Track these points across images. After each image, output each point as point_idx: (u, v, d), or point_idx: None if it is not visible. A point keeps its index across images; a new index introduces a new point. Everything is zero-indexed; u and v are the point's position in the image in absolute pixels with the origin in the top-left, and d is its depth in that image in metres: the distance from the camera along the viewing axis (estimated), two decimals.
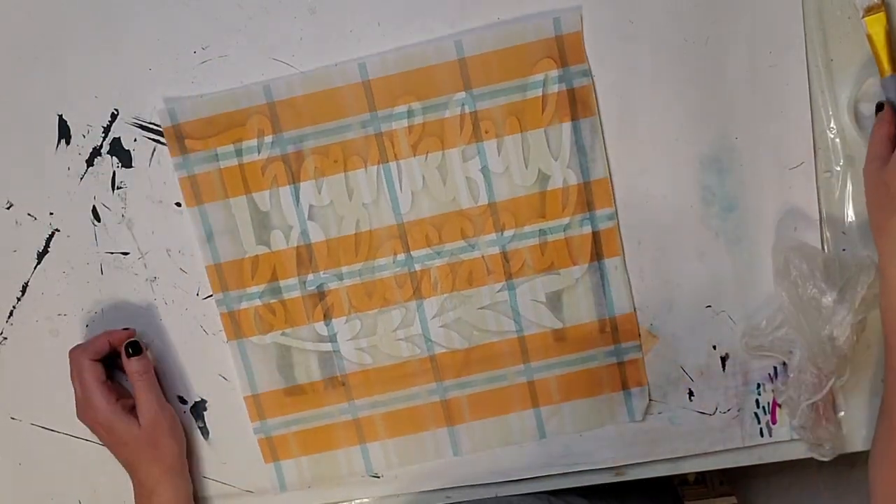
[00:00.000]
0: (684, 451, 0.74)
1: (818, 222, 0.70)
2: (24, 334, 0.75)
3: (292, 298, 0.73)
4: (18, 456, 0.78)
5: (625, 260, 0.71)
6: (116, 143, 0.72)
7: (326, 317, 0.73)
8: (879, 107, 0.66)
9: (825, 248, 0.70)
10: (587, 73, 0.69)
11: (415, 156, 0.70)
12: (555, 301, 0.72)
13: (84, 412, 0.72)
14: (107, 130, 0.72)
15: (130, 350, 0.72)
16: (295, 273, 0.72)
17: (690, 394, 0.73)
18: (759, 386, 0.73)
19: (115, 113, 0.71)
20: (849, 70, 0.68)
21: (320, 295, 0.73)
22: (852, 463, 0.93)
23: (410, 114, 0.70)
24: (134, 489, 0.73)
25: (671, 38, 0.68)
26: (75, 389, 0.72)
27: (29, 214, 0.73)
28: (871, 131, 0.66)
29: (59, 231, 0.73)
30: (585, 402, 0.74)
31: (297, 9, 0.69)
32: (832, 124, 0.69)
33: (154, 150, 0.72)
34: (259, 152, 0.71)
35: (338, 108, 0.70)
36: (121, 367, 0.73)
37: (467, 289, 0.72)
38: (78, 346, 0.72)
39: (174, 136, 0.71)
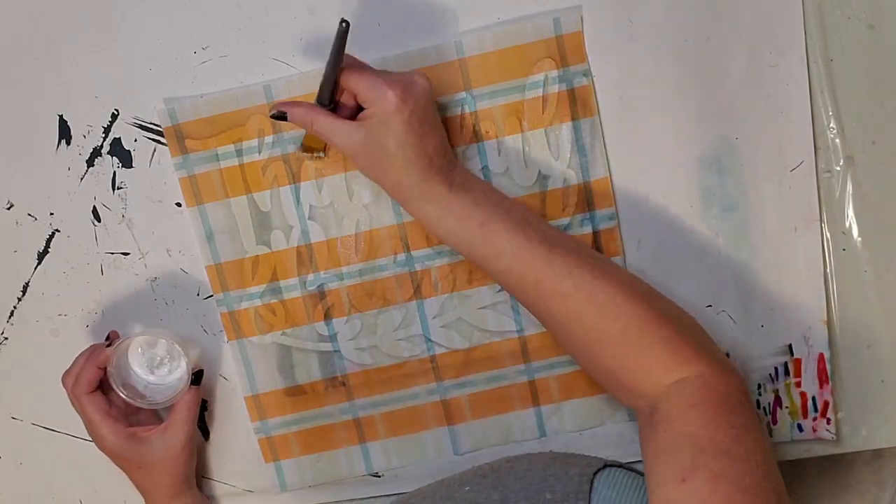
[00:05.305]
0: None
1: (818, 222, 0.70)
2: (24, 334, 0.75)
3: (293, 298, 0.73)
4: (19, 456, 0.78)
5: (625, 260, 0.71)
6: (117, 143, 0.72)
7: (327, 317, 0.73)
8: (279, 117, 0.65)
9: (825, 247, 0.70)
10: (587, 73, 0.69)
11: None
12: None
13: (97, 443, 0.70)
14: (107, 130, 0.72)
15: (194, 378, 0.71)
16: (295, 273, 0.72)
17: None
18: (759, 386, 0.73)
19: (116, 113, 0.71)
20: (849, 70, 0.68)
21: (320, 295, 0.73)
22: (852, 463, 0.93)
23: None
24: None
25: (671, 38, 0.68)
26: (83, 420, 0.70)
27: (29, 214, 0.73)
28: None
29: (59, 231, 0.73)
30: (585, 400, 0.74)
31: (297, 9, 0.69)
32: (832, 124, 0.69)
33: (154, 150, 0.72)
34: (259, 152, 0.71)
35: None
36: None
37: (467, 289, 0.72)
38: (68, 377, 0.69)
39: (174, 136, 0.71)
